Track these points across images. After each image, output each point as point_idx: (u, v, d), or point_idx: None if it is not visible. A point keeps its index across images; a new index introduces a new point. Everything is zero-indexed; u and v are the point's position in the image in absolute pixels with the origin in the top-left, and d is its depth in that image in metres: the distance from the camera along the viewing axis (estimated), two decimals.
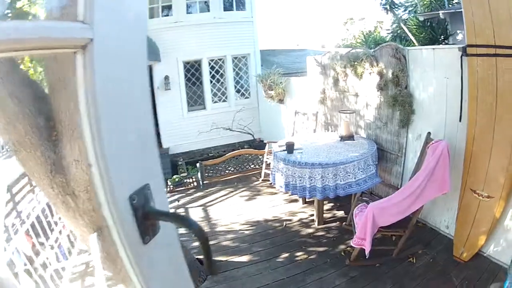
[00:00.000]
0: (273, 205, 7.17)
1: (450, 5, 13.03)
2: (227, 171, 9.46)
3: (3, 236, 3.83)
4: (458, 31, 11.17)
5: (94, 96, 0.86)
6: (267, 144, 8.32)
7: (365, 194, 5.86)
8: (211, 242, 5.69)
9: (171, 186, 8.99)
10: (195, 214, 7.23)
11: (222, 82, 14.10)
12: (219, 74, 14.00)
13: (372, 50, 6.51)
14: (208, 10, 13.53)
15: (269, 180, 7.03)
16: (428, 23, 11.79)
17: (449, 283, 4.33)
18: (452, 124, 5.02)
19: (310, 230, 6.02)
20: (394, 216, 4.41)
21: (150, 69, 12.77)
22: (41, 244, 4.17)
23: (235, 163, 9.51)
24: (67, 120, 2.89)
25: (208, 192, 8.39)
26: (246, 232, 6.21)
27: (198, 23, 13.20)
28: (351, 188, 5.46)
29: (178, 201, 8.05)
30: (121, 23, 0.94)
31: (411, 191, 4.41)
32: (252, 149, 10.78)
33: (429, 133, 5.19)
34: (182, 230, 6.38)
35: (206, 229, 6.45)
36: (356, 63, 6.74)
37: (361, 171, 5.49)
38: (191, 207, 7.67)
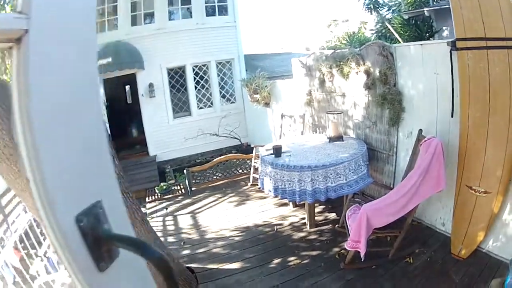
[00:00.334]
0: (263, 210, 7.03)
1: (435, 2, 13.07)
2: (215, 177, 9.39)
3: None
4: (444, 28, 11.22)
5: (28, 96, 0.70)
6: (254, 148, 8.18)
7: (357, 195, 5.71)
8: (201, 250, 5.70)
9: (159, 194, 8.82)
10: (184, 221, 7.08)
11: (207, 88, 14.02)
12: (204, 80, 13.92)
13: (358, 49, 6.41)
14: (191, 16, 13.47)
15: (257, 185, 6.90)
16: (413, 21, 11.85)
17: (448, 282, 4.22)
18: (444, 120, 4.92)
19: (302, 234, 5.88)
20: (389, 217, 4.27)
21: (134, 77, 12.70)
22: (29, 256, 4.08)
23: (223, 169, 9.42)
24: None
25: (197, 198, 8.25)
26: (237, 238, 6.06)
27: (181, 30, 13.18)
28: (342, 189, 5.31)
29: (166, 208, 7.91)
30: (64, 11, 0.79)
31: (406, 190, 4.28)
32: (239, 154, 10.70)
33: (420, 130, 5.07)
34: (170, 239, 6.33)
35: (195, 236, 6.32)
36: (342, 63, 6.65)
37: (352, 172, 5.35)
38: (180, 214, 7.50)
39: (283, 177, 5.47)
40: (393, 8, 14.73)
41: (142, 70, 12.58)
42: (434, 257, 4.75)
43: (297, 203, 6.33)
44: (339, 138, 6.37)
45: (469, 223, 4.53)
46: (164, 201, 8.48)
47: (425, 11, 11.93)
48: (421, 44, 5.25)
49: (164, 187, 9.01)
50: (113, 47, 11.87)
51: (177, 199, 8.45)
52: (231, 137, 13.66)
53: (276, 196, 5.88)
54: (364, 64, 6.13)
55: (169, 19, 13.15)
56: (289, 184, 5.42)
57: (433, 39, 10.06)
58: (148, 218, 7.17)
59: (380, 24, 14.82)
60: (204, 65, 13.82)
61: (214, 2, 13.83)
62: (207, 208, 7.62)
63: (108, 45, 11.87)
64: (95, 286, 0.84)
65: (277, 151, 5.83)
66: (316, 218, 6.14)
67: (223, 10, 14.04)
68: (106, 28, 12.45)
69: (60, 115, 0.78)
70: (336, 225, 5.86)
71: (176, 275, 0.89)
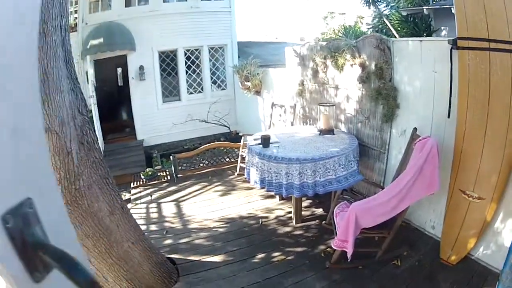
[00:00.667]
0: (249, 201, 6.89)
1: (435, 1, 13.02)
2: (201, 165, 9.21)
3: None
4: (442, 28, 11.13)
5: None
6: (242, 137, 8.02)
7: (346, 191, 5.59)
8: (183, 240, 5.54)
9: (144, 180, 8.64)
10: (168, 209, 6.91)
11: (198, 73, 13.82)
12: (195, 64, 13.72)
13: (354, 41, 6.24)
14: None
15: (244, 175, 6.72)
16: (411, 19, 11.80)
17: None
18: (439, 120, 4.78)
19: (288, 229, 5.75)
20: (378, 217, 4.13)
21: (125, 58, 12.51)
22: None
23: (210, 156, 9.26)
24: None
25: (182, 186, 8.09)
26: (220, 229, 5.90)
27: (175, 12, 12.97)
28: (331, 185, 5.15)
29: (151, 196, 7.71)
30: None
31: (397, 190, 4.13)
32: (227, 142, 10.56)
33: (415, 129, 4.93)
34: (153, 227, 6.17)
35: (178, 226, 6.18)
36: (337, 54, 6.47)
37: (342, 168, 5.20)
38: (164, 202, 7.33)
39: (270, 168, 5.31)
40: (392, 4, 14.66)
41: (133, 52, 12.36)
42: (422, 261, 4.64)
43: (284, 197, 6.18)
44: (330, 131, 6.22)
45: (461, 228, 4.42)
46: (149, 187, 8.28)
47: (425, 10, 11.85)
48: (420, 40, 5.08)
49: (150, 173, 8.83)
50: (105, 28, 11.66)
51: (162, 186, 8.27)
52: (220, 124, 13.52)
53: (262, 188, 5.70)
54: (359, 56, 5.96)
55: (164, 1, 12.91)
56: (276, 176, 5.25)
57: None
58: (132, 205, 7.17)
59: (377, 19, 14.74)
60: (196, 50, 13.62)
61: None
62: (192, 197, 7.45)
63: (100, 26, 11.67)
64: None
65: (265, 141, 5.66)
66: (302, 212, 5.99)
67: None
68: (100, 8, 12.21)
69: None
70: (323, 222, 5.71)
71: None
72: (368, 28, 15.33)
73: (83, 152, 3.42)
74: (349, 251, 4.14)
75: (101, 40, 11.34)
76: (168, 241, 5.63)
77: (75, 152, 3.27)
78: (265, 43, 18.63)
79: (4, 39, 0.67)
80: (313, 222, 5.87)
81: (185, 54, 13.44)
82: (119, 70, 13.43)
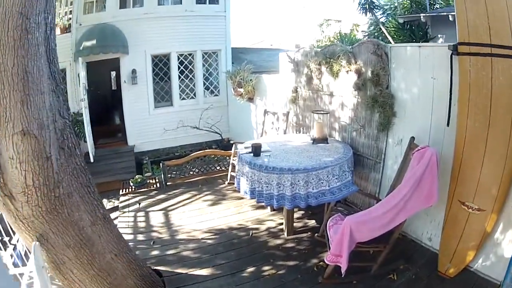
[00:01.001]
0: (239, 212, 6.67)
1: (432, 9, 13.00)
2: (191, 172, 8.99)
3: None
4: (439, 36, 11.06)
5: None
6: (233, 145, 7.78)
7: (339, 203, 5.34)
8: (171, 251, 5.37)
9: (133, 187, 8.40)
10: (156, 218, 6.68)
11: (191, 78, 13.64)
12: (188, 69, 13.54)
13: (350, 46, 6.06)
14: (181, 3, 13.07)
15: (235, 184, 6.50)
16: (408, 26, 11.79)
17: None
18: (438, 129, 4.62)
19: (279, 241, 5.53)
20: (374, 231, 3.92)
21: (118, 61, 12.33)
22: None
23: (200, 164, 9.06)
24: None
25: (171, 194, 7.85)
26: (209, 241, 5.69)
27: (169, 16, 12.80)
28: (324, 197, 4.92)
29: (139, 203, 7.47)
30: None
31: (394, 203, 3.92)
32: (218, 150, 10.39)
33: (412, 138, 4.74)
34: (140, 237, 5.97)
35: (166, 236, 5.96)
36: (332, 60, 6.30)
37: (336, 179, 4.97)
38: (152, 210, 7.09)
39: (261, 178, 5.08)
40: (388, 12, 14.63)
41: (126, 55, 12.18)
42: (419, 274, 4.47)
43: (275, 208, 5.98)
44: (323, 140, 6.02)
45: (459, 240, 4.27)
46: (138, 194, 8.04)
47: (422, 17, 11.78)
48: (419, 46, 4.90)
49: (139, 180, 8.60)
50: (98, 30, 11.48)
51: (151, 194, 8.02)
52: (212, 131, 13.35)
53: (252, 199, 5.45)
54: (355, 62, 5.78)
55: (158, 4, 12.73)
56: (267, 187, 5.03)
57: None
58: (120, 212, 6.98)
59: (373, 27, 14.70)
60: (190, 54, 13.46)
61: None
62: (181, 206, 7.23)
63: (94, 27, 11.50)
64: None
65: (256, 150, 5.44)
66: (294, 224, 5.80)
67: None
68: (94, 10, 12.02)
69: None
70: (316, 234, 5.50)
71: None
72: (364, 36, 15.28)
73: (63, 158, 3.26)
74: (343, 267, 3.94)
75: (94, 41, 11.15)
76: (155, 252, 5.44)
77: (54, 157, 3.13)
78: (260, 50, 18.58)
79: None
80: (305, 234, 5.67)
81: (178, 58, 13.26)
82: (113, 73, 13.33)
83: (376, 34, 13.58)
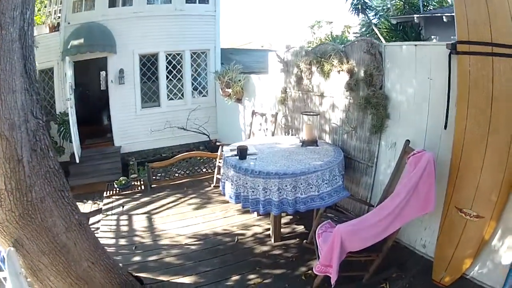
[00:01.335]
0: (225, 216, 6.46)
1: (425, 10, 12.97)
2: (177, 175, 8.81)
3: None
4: (433, 37, 10.96)
5: None
6: (220, 147, 7.54)
7: (329, 209, 5.09)
8: (153, 257, 5.19)
9: (117, 189, 8.18)
10: (139, 222, 6.48)
11: (179, 78, 13.42)
12: (176, 69, 13.32)
13: (343, 45, 5.87)
14: (170, 2, 12.84)
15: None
16: (401, 27, 11.72)
17: None
18: (434, 131, 4.41)
19: (266, 248, 5.32)
20: (367, 240, 3.70)
21: (103, 60, 12.11)
22: None
23: (186, 166, 8.87)
24: None
25: (156, 197, 7.65)
26: (193, 247, 5.48)
27: (158, 15, 12.57)
28: (313, 202, 4.70)
29: (123, 206, 7.27)
30: None
31: (389, 210, 3.69)
32: (203, 152, 10.15)
33: (407, 141, 4.51)
34: (122, 241, 5.76)
35: (149, 241, 5.76)
36: (323, 59, 6.08)
37: (326, 183, 4.75)
38: (136, 214, 6.89)
39: (246, 183, 4.85)
40: (380, 13, 14.57)
41: (114, 54, 11.94)
42: (413, 283, 4.31)
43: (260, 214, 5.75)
44: (313, 142, 5.81)
45: (456, 248, 4.10)
46: (122, 197, 7.85)
47: (415, 18, 11.67)
48: (415, 45, 4.68)
49: (123, 182, 8.38)
50: (86, 28, 11.25)
51: (135, 196, 7.83)
52: (200, 132, 13.13)
53: (237, 203, 5.24)
54: (348, 62, 5.57)
55: (148, 3, 12.50)
56: (253, 192, 4.79)
57: None
58: (103, 215, 6.83)
59: (365, 28, 14.62)
60: (178, 54, 13.23)
61: None
62: (165, 209, 7.03)
63: (82, 26, 11.26)
64: None
65: (242, 153, 5.21)
66: (282, 230, 5.59)
67: None
68: (83, 8, 11.76)
69: None
70: (304, 240, 5.26)
71: None
72: (355, 37, 15.14)
73: (36, 161, 3.10)
74: (333, 277, 3.72)
75: (82, 40, 10.92)
76: (137, 258, 5.26)
77: (26, 160, 2.99)
78: (250, 51, 18.45)
79: None
80: (293, 241, 5.47)
81: (167, 58, 13.07)
82: (103, 73, 13.24)
83: (368, 35, 13.47)
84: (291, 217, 6.13)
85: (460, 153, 3.94)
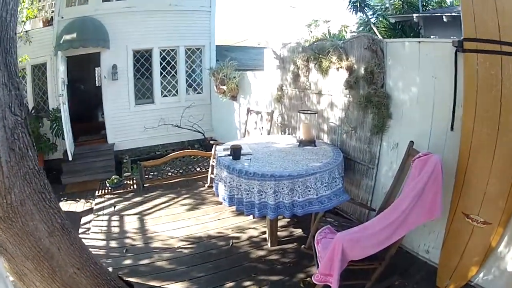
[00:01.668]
0: (219, 218, 6.26)
1: (425, 9, 12.94)
2: (169, 174, 8.62)
3: None
4: (432, 36, 10.87)
5: None
6: (214, 146, 7.32)
7: (328, 213, 4.89)
8: (144, 261, 5.00)
9: (109, 188, 7.99)
10: (130, 223, 6.28)
11: (173, 75, 13.30)
12: (171, 66, 13.18)
13: (342, 41, 5.68)
14: None
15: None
16: (399, 26, 11.64)
17: None
18: (439, 133, 4.23)
19: (262, 253, 5.12)
20: (369, 249, 3.48)
21: (97, 56, 11.94)
22: None
23: (179, 165, 8.69)
24: None
25: (148, 197, 7.44)
26: (185, 251, 5.27)
27: (153, 9, 12.39)
28: (312, 206, 4.47)
29: (114, 206, 7.07)
30: None
31: (394, 218, 3.47)
32: (197, 151, 10.01)
33: (411, 143, 4.29)
34: (113, 243, 5.57)
35: (140, 244, 5.57)
36: (321, 56, 5.90)
37: (325, 186, 4.53)
38: (127, 214, 6.68)
39: (240, 185, 4.62)
40: (379, 13, 14.49)
41: (107, 49, 11.77)
42: None
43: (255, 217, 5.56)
44: (311, 142, 5.61)
45: (462, 255, 3.95)
46: (114, 196, 7.65)
47: (414, 17, 11.57)
48: (419, 42, 4.49)
49: (115, 180, 8.18)
50: (79, 23, 11.06)
51: (127, 196, 7.62)
52: (194, 130, 12.91)
53: (231, 206, 5.01)
54: (347, 59, 5.39)
55: None
56: (247, 194, 4.57)
57: None
58: (94, 216, 6.64)
59: (362, 27, 14.52)
60: (172, 50, 13.10)
61: None
62: (157, 210, 6.83)
63: (75, 21, 11.07)
64: None
65: (236, 153, 4.99)
66: (279, 233, 5.39)
67: None
68: (77, 2, 11.62)
69: None
70: (303, 246, 5.08)
71: None
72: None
73: (14, 161, 2.87)
74: (334, 287, 3.48)
75: (74, 35, 10.73)
76: (128, 261, 5.07)
77: (4, 160, 2.77)
78: (246, 48, 18.45)
79: None
80: (290, 245, 5.27)
81: (161, 54, 12.93)
82: (99, 70, 12.99)
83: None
84: (288, 219, 5.94)
85: (468, 156, 3.77)
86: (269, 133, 7.19)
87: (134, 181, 8.43)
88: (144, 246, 5.48)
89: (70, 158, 10.32)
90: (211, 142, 7.63)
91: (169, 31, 12.76)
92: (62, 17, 11.15)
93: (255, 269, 4.74)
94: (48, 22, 11.40)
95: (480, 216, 3.71)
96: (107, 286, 3.79)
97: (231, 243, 5.39)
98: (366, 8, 13.09)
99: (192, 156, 9.11)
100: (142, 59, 12.73)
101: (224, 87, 9.75)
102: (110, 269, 4.61)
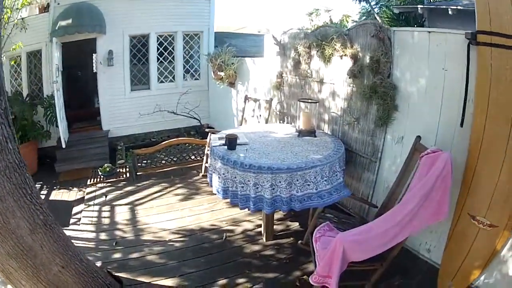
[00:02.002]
0: (212, 209, 6.08)
1: (429, 2, 12.75)
2: (163, 162, 8.46)
3: None
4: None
5: None
6: (209, 134, 7.05)
7: (328, 208, 4.68)
8: (134, 255, 4.85)
9: (102, 177, 7.88)
10: (121, 214, 6.13)
11: (170, 61, 13.06)
12: (168, 51, 12.95)
13: (346, 29, 5.47)
14: None
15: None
16: (403, 17, 11.42)
17: None
18: (448, 128, 4.03)
19: (256, 247, 4.95)
20: (372, 251, 3.29)
21: (94, 42, 11.67)
22: None
23: (174, 153, 8.51)
24: None
25: (141, 186, 7.28)
26: (177, 244, 5.10)
27: None
28: (310, 201, 4.28)
29: (106, 196, 6.92)
30: None
31: (399, 219, 3.26)
32: (192, 138, 9.89)
33: (419, 138, 4.09)
34: (102, 235, 5.42)
35: (131, 236, 5.42)
36: (324, 43, 5.66)
37: (325, 180, 4.33)
38: (119, 204, 6.53)
39: (235, 177, 4.42)
40: (382, 3, 14.29)
41: (103, 35, 11.51)
42: None
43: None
44: (311, 132, 5.42)
45: (465, 258, 3.78)
46: (106, 185, 7.51)
47: (419, 8, 11.35)
48: (429, 32, 4.28)
49: (108, 169, 8.04)
50: (75, 9, 10.78)
51: (120, 185, 7.46)
52: (190, 117, 12.71)
53: (225, 199, 4.79)
54: (352, 47, 5.16)
55: None
56: (242, 187, 4.37)
57: None
58: (84, 206, 6.52)
59: (365, 17, 14.35)
60: (170, 36, 12.83)
61: None
62: (150, 200, 6.66)
63: (71, 6, 10.79)
64: None
65: (231, 143, 4.78)
66: (275, 227, 5.24)
67: None
68: None
69: None
70: (300, 241, 4.78)
71: None
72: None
73: None
74: None
75: (70, 21, 10.48)
76: (117, 255, 4.91)
77: None
78: (246, 35, 18.21)
79: None
80: (287, 240, 5.11)
81: (158, 39, 12.67)
82: (95, 56, 12.81)
83: None
84: (284, 212, 5.66)
85: (477, 155, 3.58)
86: (267, 121, 7.01)
87: (127, 169, 8.28)
88: (135, 239, 5.34)
89: (63, 146, 10.11)
90: (207, 130, 7.43)
91: (166, 16, 12.48)
92: (58, 3, 10.85)
93: (249, 265, 4.58)
94: (44, 9, 11.19)
95: (486, 218, 3.54)
96: (94, 283, 3.69)
97: (224, 237, 5.22)
98: None
99: (187, 144, 8.96)
100: (138, 45, 12.50)
101: (222, 73, 9.53)
102: (99, 263, 4.49)
